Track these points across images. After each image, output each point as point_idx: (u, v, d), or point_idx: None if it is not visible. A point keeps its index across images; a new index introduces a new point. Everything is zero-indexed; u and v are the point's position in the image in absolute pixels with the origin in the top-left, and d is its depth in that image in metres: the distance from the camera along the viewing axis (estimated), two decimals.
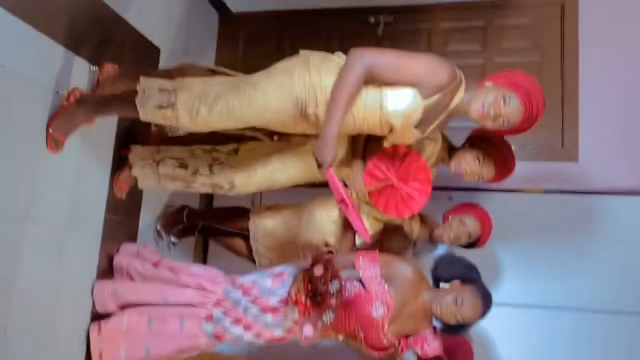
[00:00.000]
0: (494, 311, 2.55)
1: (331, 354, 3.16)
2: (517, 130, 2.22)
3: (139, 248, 2.76)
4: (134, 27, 2.93)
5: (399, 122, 2.14)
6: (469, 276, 2.54)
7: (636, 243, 3.19)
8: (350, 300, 2.50)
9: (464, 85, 2.16)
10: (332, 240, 2.77)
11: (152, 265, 2.66)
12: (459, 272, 2.55)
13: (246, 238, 3.03)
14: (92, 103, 2.43)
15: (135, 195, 2.90)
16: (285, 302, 2.40)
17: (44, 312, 2.39)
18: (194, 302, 2.54)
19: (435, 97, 2.10)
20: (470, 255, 2.85)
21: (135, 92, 2.24)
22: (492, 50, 3.58)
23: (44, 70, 2.35)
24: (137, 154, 2.74)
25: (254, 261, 3.05)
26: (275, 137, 2.58)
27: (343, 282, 2.47)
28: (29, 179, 2.28)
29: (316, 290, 2.27)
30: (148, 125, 2.80)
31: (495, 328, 3.04)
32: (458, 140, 2.66)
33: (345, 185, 2.45)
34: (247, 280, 2.56)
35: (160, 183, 2.74)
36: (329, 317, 2.27)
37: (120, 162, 2.76)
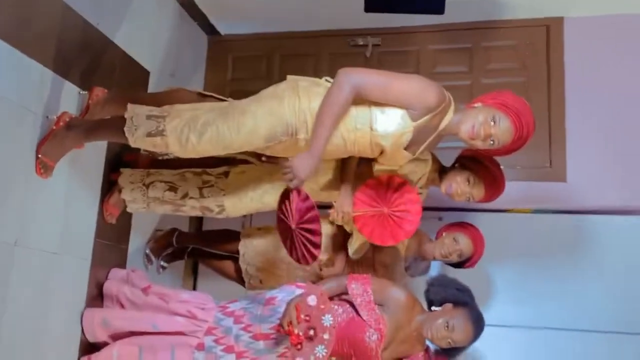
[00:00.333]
0: (486, 331, 2.55)
1: None
2: (507, 150, 2.23)
3: (128, 273, 2.73)
4: (123, 50, 2.93)
5: (388, 143, 2.15)
6: (461, 299, 2.53)
7: (624, 261, 3.22)
8: (343, 326, 2.49)
9: (452, 106, 2.17)
10: (323, 256, 2.76)
11: (141, 291, 2.63)
12: (450, 295, 2.54)
13: (235, 260, 3.01)
14: (81, 128, 2.41)
15: (125, 219, 2.88)
16: (277, 328, 2.37)
17: (32, 342, 2.34)
18: (184, 331, 2.51)
19: (425, 118, 2.10)
20: (462, 275, 2.86)
21: (124, 120, 2.23)
22: (479, 71, 3.61)
23: (32, 94, 2.33)
24: (126, 177, 2.72)
25: (243, 283, 3.04)
26: (264, 158, 2.58)
27: (336, 307, 2.46)
28: (18, 204, 2.25)
29: (309, 322, 2.25)
30: (138, 148, 2.79)
31: (488, 348, 3.02)
32: (448, 161, 2.67)
33: (330, 207, 2.47)
34: (237, 307, 2.53)
35: (149, 206, 2.72)
36: (321, 351, 2.25)
37: (109, 186, 2.74)
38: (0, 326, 2.18)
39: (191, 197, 2.67)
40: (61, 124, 2.39)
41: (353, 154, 2.27)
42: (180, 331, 2.51)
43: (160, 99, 2.41)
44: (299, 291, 2.45)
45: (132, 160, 2.82)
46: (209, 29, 3.89)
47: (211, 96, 2.49)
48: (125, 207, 2.73)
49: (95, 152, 2.69)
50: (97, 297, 2.65)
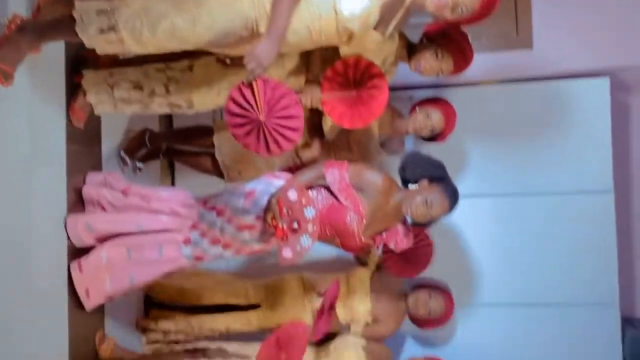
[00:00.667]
0: (460, 202, 2.66)
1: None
2: (475, 18, 2.18)
3: (105, 176, 2.71)
4: None
5: (356, 25, 2.09)
6: (436, 175, 2.60)
7: (592, 124, 3.30)
8: (324, 212, 2.55)
9: None
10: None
11: (121, 193, 2.63)
12: (425, 172, 2.61)
13: (211, 154, 3.01)
14: (34, 30, 2.29)
15: (94, 122, 2.81)
16: (260, 219, 2.42)
17: (19, 252, 2.35)
18: (169, 228, 2.54)
19: None
20: (434, 149, 2.92)
21: (74, 18, 2.11)
22: None
23: None
24: (89, 79, 2.63)
25: (222, 176, 3.06)
26: (228, 60, 2.51)
27: (315, 193, 2.51)
28: None
29: (291, 215, 2.28)
30: None
31: (460, 219, 3.15)
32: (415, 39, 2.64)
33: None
34: (218, 201, 2.56)
35: (117, 107, 2.66)
36: (306, 241, 2.30)
37: (73, 90, 2.66)
38: None
39: (158, 94, 2.61)
40: (13, 27, 2.28)
41: (320, 44, 2.21)
42: (165, 229, 2.54)
43: None
44: (277, 182, 2.48)
45: (94, 58, 2.71)
46: None
47: None
48: (93, 110, 2.67)
49: (55, 53, 2.57)
50: (77, 202, 2.64)
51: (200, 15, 2.02)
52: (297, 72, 2.56)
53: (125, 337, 2.97)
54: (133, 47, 2.11)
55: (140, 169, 3.13)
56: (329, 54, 2.42)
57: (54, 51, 2.56)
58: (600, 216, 3.27)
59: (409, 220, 2.70)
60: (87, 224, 2.55)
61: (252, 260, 3.23)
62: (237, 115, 2.07)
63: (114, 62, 2.71)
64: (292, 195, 2.25)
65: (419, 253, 2.90)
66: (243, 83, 2.03)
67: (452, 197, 2.60)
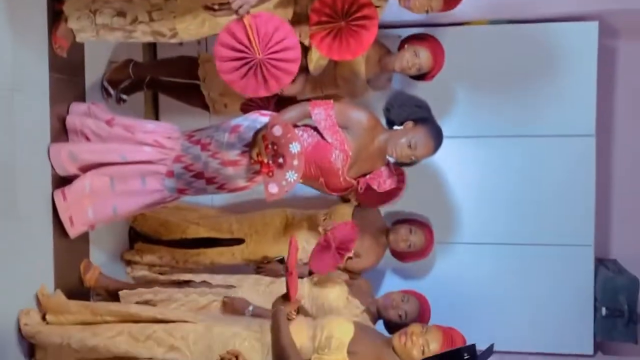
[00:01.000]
0: (444, 143, 2.68)
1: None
2: None
3: (89, 106, 2.69)
4: None
5: None
6: (421, 116, 2.61)
7: (578, 68, 3.30)
8: (309, 151, 2.56)
9: None
10: None
11: (105, 123, 2.62)
12: (410, 114, 2.61)
13: (196, 87, 2.99)
14: None
15: (77, 51, 2.77)
16: (244, 155, 2.41)
17: (4, 181, 2.36)
18: (152, 159, 2.54)
19: None
20: (420, 89, 2.92)
21: None
22: None
23: None
24: (71, 4, 2.55)
25: (207, 109, 3.04)
26: (216, 7, 2.44)
27: (300, 133, 2.51)
28: None
29: (277, 151, 2.27)
30: None
31: (443, 159, 3.18)
32: None
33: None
34: (203, 135, 2.55)
35: (99, 34, 2.59)
36: (292, 177, 2.31)
37: (55, 16, 2.60)
38: None
39: (141, 22, 2.53)
40: None
41: None
42: (148, 160, 2.55)
43: None
44: (263, 119, 2.47)
45: None
46: None
47: None
48: (75, 37, 2.62)
49: None
50: (61, 132, 2.63)
51: None
52: (285, 4, 2.51)
53: (110, 269, 3.01)
54: None
55: (124, 101, 3.10)
56: None
57: None
58: (580, 160, 3.31)
59: (391, 160, 2.73)
60: (70, 153, 2.55)
61: (236, 196, 3.25)
62: (232, 59, 2.02)
63: None
64: (277, 130, 2.25)
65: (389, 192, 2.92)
66: (232, 24, 1.98)
67: (437, 138, 2.62)
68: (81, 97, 2.85)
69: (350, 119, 2.60)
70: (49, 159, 2.56)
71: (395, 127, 2.66)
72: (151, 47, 3.46)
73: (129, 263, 3.25)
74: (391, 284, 3.35)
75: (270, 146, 2.26)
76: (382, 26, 2.66)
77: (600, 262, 3.45)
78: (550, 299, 3.36)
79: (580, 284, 3.34)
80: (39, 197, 2.54)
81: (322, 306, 2.72)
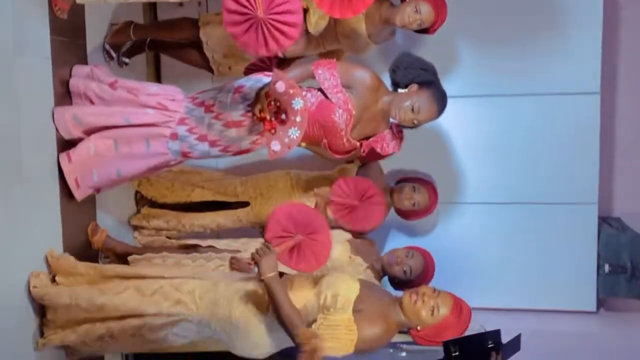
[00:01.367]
0: (449, 102, 2.67)
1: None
2: None
3: (92, 69, 2.68)
4: None
5: None
6: (426, 79, 2.60)
7: (584, 23, 3.24)
8: (312, 110, 2.55)
9: None
10: None
11: (109, 86, 2.61)
12: (416, 76, 2.60)
13: (198, 48, 2.97)
14: None
15: (78, 14, 2.75)
16: (248, 115, 2.41)
17: (9, 145, 2.37)
18: (156, 122, 2.54)
19: None
20: (423, 48, 2.89)
21: None
22: None
23: None
24: None
25: (210, 70, 3.03)
26: None
27: (304, 93, 2.50)
28: None
29: (280, 107, 2.26)
30: None
31: (447, 119, 3.17)
32: None
33: None
34: (206, 96, 2.54)
35: None
36: (294, 133, 2.31)
37: None
38: None
39: None
40: None
41: None
42: (152, 123, 2.55)
43: None
44: (266, 79, 2.46)
45: None
46: None
47: None
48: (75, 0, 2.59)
49: None
50: (64, 95, 2.63)
51: None
52: None
53: (117, 234, 3.03)
54: None
55: (126, 64, 3.09)
56: None
57: None
58: (585, 118, 3.29)
59: (394, 123, 2.73)
60: (74, 116, 2.55)
61: (240, 159, 3.26)
62: (235, 12, 2.03)
63: None
64: (280, 87, 2.24)
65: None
66: None
67: (440, 103, 2.61)
68: (83, 60, 2.84)
69: (353, 78, 2.59)
70: (54, 122, 2.57)
71: (400, 90, 2.65)
72: (151, 9, 3.43)
73: (136, 228, 3.28)
74: (396, 243, 3.37)
75: (272, 103, 2.26)
76: None
77: (604, 220, 3.46)
78: (554, 257, 3.38)
79: (584, 241, 3.36)
80: (44, 160, 2.56)
81: (325, 265, 2.75)
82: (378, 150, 2.74)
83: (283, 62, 2.81)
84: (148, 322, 2.34)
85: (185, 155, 2.57)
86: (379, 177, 3.01)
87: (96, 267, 2.52)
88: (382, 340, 2.26)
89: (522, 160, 3.36)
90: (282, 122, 2.27)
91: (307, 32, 2.69)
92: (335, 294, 2.20)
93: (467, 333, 3.08)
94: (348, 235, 2.88)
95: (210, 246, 2.93)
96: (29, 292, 2.43)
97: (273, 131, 2.29)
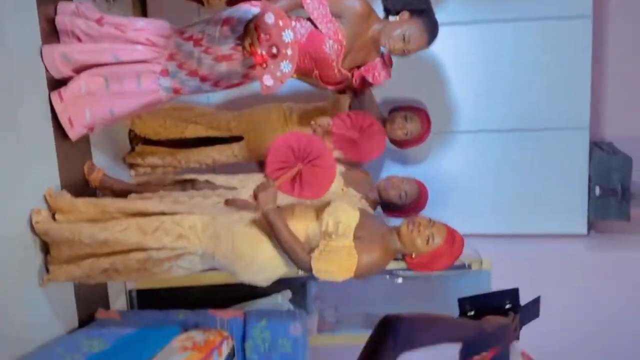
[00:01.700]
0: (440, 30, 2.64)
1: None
2: None
3: (77, 6, 2.63)
4: None
5: None
6: (418, 7, 2.56)
7: None
8: (303, 42, 2.53)
9: None
10: None
11: (95, 23, 2.58)
12: (408, 3, 2.57)
13: None
14: None
15: None
16: (238, 49, 2.39)
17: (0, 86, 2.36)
18: (146, 58, 2.52)
19: None
20: None
21: None
22: None
23: None
24: None
25: (201, 2, 2.98)
26: None
27: (293, 24, 2.46)
28: None
29: (270, 40, 2.24)
30: None
31: (439, 46, 3.13)
32: None
33: None
34: (195, 30, 2.50)
35: None
36: (286, 67, 2.29)
37: None
38: None
39: None
40: None
41: None
42: (142, 59, 2.53)
43: None
44: (254, 9, 2.42)
45: None
46: None
47: None
48: None
49: None
50: (51, 33, 2.59)
51: None
52: None
53: (113, 173, 3.05)
54: None
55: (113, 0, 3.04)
56: None
57: None
58: (576, 42, 3.28)
59: (384, 51, 2.71)
60: (63, 54, 2.53)
61: (232, 93, 3.25)
62: None
63: None
64: (269, 18, 2.21)
65: None
66: None
67: (431, 32, 2.59)
68: None
69: (343, 6, 2.56)
70: (42, 61, 2.55)
71: (391, 18, 2.62)
72: None
73: (131, 166, 3.30)
74: (389, 173, 3.37)
75: (263, 36, 2.24)
76: None
77: (596, 144, 3.50)
78: (546, 183, 3.44)
79: (576, 166, 3.41)
80: (36, 100, 2.55)
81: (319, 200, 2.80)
82: (369, 79, 2.74)
83: None
84: (152, 256, 2.39)
85: (176, 91, 2.56)
86: (372, 107, 3.02)
87: (96, 203, 2.55)
88: (379, 265, 2.34)
89: (514, 87, 3.36)
90: (273, 55, 2.26)
91: None
92: (337, 221, 2.26)
93: (462, 259, 3.20)
94: (341, 168, 2.91)
95: (207, 181, 2.96)
96: (32, 228, 2.47)
97: (264, 65, 2.28)
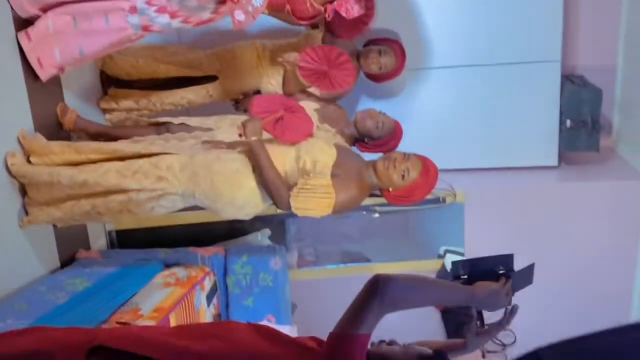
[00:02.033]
0: None
1: None
2: None
3: None
4: None
5: None
6: None
7: None
8: None
9: None
10: None
11: None
12: None
13: None
14: None
15: None
16: None
17: None
18: None
19: None
20: None
21: None
22: None
23: None
24: None
25: None
26: None
27: None
28: None
29: None
30: None
31: None
32: None
33: None
34: None
35: None
36: (258, 1, 2.25)
37: None
38: None
39: None
40: None
41: None
42: None
43: None
44: None
45: None
46: None
47: None
48: None
49: None
50: None
51: None
52: None
53: (88, 117, 3.02)
54: None
55: None
56: None
57: None
58: None
59: None
60: None
61: (203, 31, 3.20)
62: None
63: None
64: None
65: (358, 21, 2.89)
66: None
67: None
68: None
69: None
70: (8, 0, 2.48)
71: None
72: None
73: (105, 112, 3.26)
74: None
75: None
76: None
77: (567, 78, 3.54)
78: (518, 117, 3.49)
79: (547, 99, 3.45)
80: (3, 41, 2.50)
81: None
82: (342, 13, 2.72)
83: None
84: (133, 197, 2.41)
85: (145, 28, 2.52)
86: (345, 42, 3.00)
87: (70, 145, 2.54)
88: (357, 201, 2.40)
89: (485, 21, 3.36)
90: None
91: None
92: (314, 159, 2.31)
93: (436, 193, 3.26)
94: (315, 105, 2.92)
95: (182, 124, 2.95)
96: (8, 170, 2.46)
97: (236, 0, 2.25)
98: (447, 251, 3.50)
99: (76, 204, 2.47)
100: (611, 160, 3.64)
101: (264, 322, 2.90)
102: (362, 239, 3.67)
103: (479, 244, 3.40)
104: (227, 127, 2.89)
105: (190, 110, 3.28)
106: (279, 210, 2.54)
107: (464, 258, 1.85)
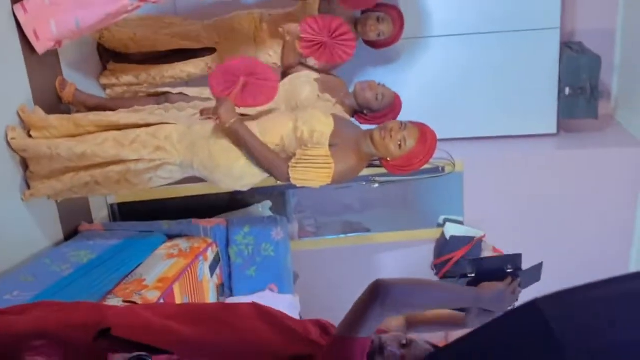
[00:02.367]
0: None
1: None
2: None
3: None
4: None
5: None
6: None
7: None
8: None
9: None
10: None
11: None
12: None
13: None
14: None
15: None
16: None
17: None
18: None
19: None
20: None
21: None
22: None
23: None
24: None
25: None
26: None
27: None
28: None
29: None
30: None
31: None
32: None
33: None
34: None
35: None
36: None
37: None
38: None
39: None
40: None
41: None
42: None
43: None
44: None
45: None
46: None
47: None
48: None
49: None
50: None
51: None
52: None
53: (87, 91, 3.01)
54: None
55: None
56: None
57: None
58: None
59: None
60: None
61: (199, 1, 3.18)
62: None
63: None
64: None
65: None
66: None
67: None
68: None
69: None
70: None
71: None
72: None
73: (106, 87, 3.25)
74: (363, 78, 3.41)
75: None
76: None
77: (566, 44, 3.53)
78: (517, 85, 3.49)
79: (546, 67, 3.45)
80: (0, 15, 2.49)
81: (295, 106, 2.81)
82: None
83: None
84: (131, 167, 2.42)
85: None
86: (342, 11, 2.98)
87: (69, 118, 2.55)
88: (356, 171, 2.41)
89: None
90: None
91: None
92: (312, 129, 2.31)
93: (435, 162, 3.27)
94: (315, 75, 2.91)
95: (181, 93, 2.95)
96: (8, 145, 2.47)
97: None
98: (446, 220, 3.52)
99: (75, 176, 2.49)
100: (610, 127, 3.65)
101: (267, 292, 2.94)
102: (362, 209, 3.70)
103: (478, 213, 3.43)
104: None
105: (189, 82, 3.27)
106: (278, 182, 2.55)
107: (472, 258, 1.77)
